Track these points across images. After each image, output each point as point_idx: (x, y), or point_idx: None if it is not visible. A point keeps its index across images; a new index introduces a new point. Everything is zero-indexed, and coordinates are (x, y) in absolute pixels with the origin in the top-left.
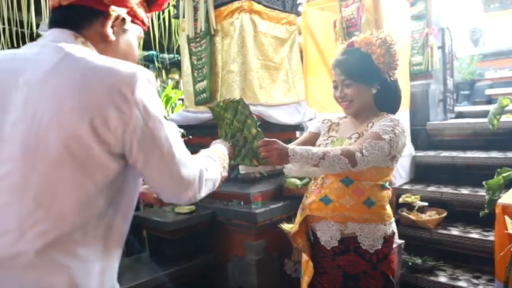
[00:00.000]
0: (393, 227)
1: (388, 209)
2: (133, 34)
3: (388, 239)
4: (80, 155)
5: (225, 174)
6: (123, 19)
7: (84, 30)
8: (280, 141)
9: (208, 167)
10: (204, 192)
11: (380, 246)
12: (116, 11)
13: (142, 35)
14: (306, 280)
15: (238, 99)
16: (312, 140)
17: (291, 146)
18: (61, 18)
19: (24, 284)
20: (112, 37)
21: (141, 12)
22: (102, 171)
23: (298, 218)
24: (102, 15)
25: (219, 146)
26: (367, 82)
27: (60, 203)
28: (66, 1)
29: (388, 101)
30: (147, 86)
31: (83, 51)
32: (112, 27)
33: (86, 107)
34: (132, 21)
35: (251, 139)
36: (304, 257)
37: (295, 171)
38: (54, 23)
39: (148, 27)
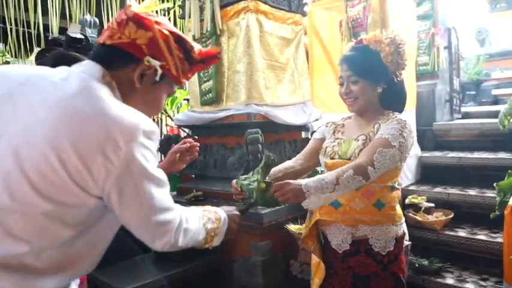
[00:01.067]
0: (404, 227)
1: (398, 210)
2: (163, 87)
3: (398, 240)
4: (52, 189)
5: (217, 238)
6: (155, 71)
7: (116, 70)
8: (292, 181)
9: (190, 218)
10: (182, 242)
11: (392, 248)
12: (150, 61)
13: (175, 90)
14: (316, 282)
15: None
16: (319, 147)
17: (303, 182)
18: (99, 54)
19: None
20: (138, 84)
21: (178, 68)
22: (77, 207)
23: (308, 223)
24: (136, 62)
25: (217, 210)
26: (373, 80)
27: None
28: (110, 41)
29: (393, 100)
30: (143, 139)
31: (101, 90)
32: (142, 75)
33: (77, 145)
34: (165, 75)
35: (262, 192)
36: (315, 259)
37: (313, 203)
38: (92, 57)
39: None
